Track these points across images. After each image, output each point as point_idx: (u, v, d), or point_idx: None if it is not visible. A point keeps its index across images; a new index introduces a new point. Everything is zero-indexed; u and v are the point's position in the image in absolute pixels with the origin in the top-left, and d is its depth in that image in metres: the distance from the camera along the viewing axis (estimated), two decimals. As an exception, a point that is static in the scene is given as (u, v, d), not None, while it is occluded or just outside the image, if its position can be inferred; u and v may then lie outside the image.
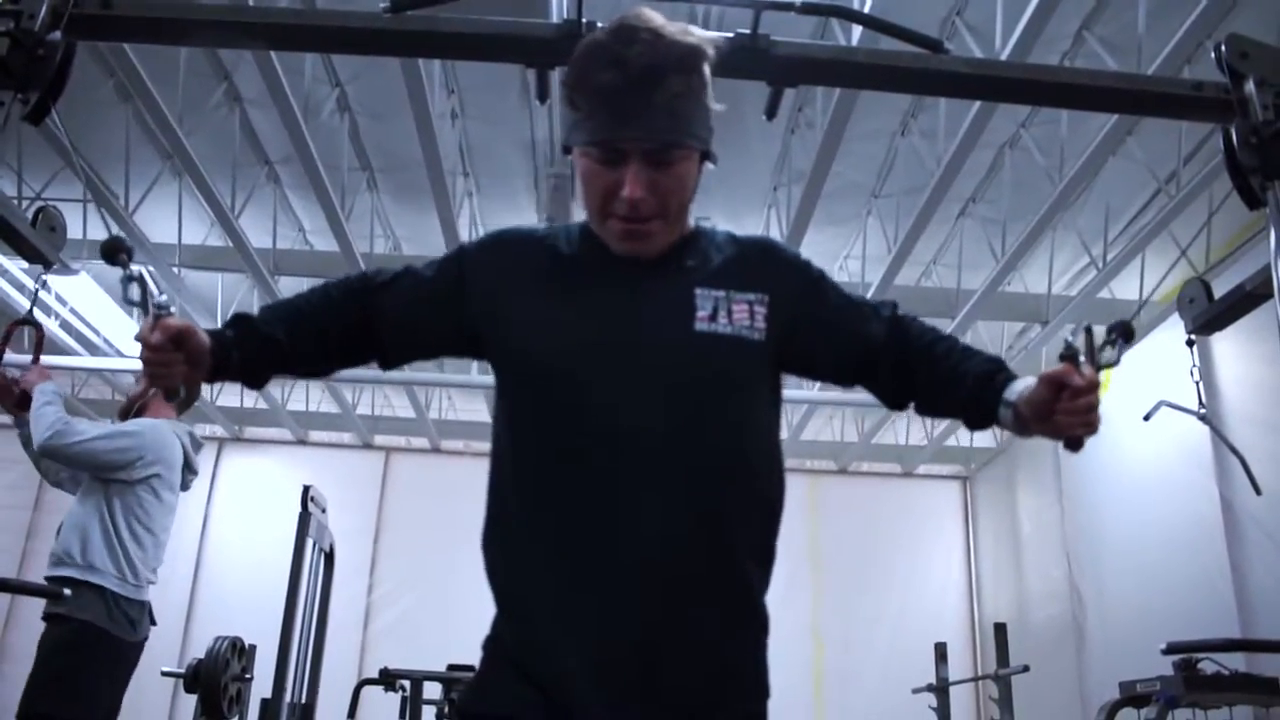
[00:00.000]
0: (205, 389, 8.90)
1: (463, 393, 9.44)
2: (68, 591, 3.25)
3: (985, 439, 9.86)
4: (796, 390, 7.84)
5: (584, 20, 2.06)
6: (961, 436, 9.82)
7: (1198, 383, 3.07)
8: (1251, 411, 5.65)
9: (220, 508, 10.05)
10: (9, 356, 3.08)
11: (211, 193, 5.77)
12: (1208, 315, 2.88)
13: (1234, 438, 3.96)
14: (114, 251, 1.37)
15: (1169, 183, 5.44)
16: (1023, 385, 1.31)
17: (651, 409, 1.28)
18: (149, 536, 3.57)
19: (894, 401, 1.48)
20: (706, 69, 1.30)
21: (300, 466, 9.55)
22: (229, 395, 9.77)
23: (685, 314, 1.34)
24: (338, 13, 2.24)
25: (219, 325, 1.41)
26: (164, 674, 4.62)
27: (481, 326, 1.41)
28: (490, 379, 1.46)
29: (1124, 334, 1.29)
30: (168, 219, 6.45)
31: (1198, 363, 3.07)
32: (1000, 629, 6.10)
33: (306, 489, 4.32)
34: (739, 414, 1.34)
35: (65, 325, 7.95)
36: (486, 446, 1.43)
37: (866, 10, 4.06)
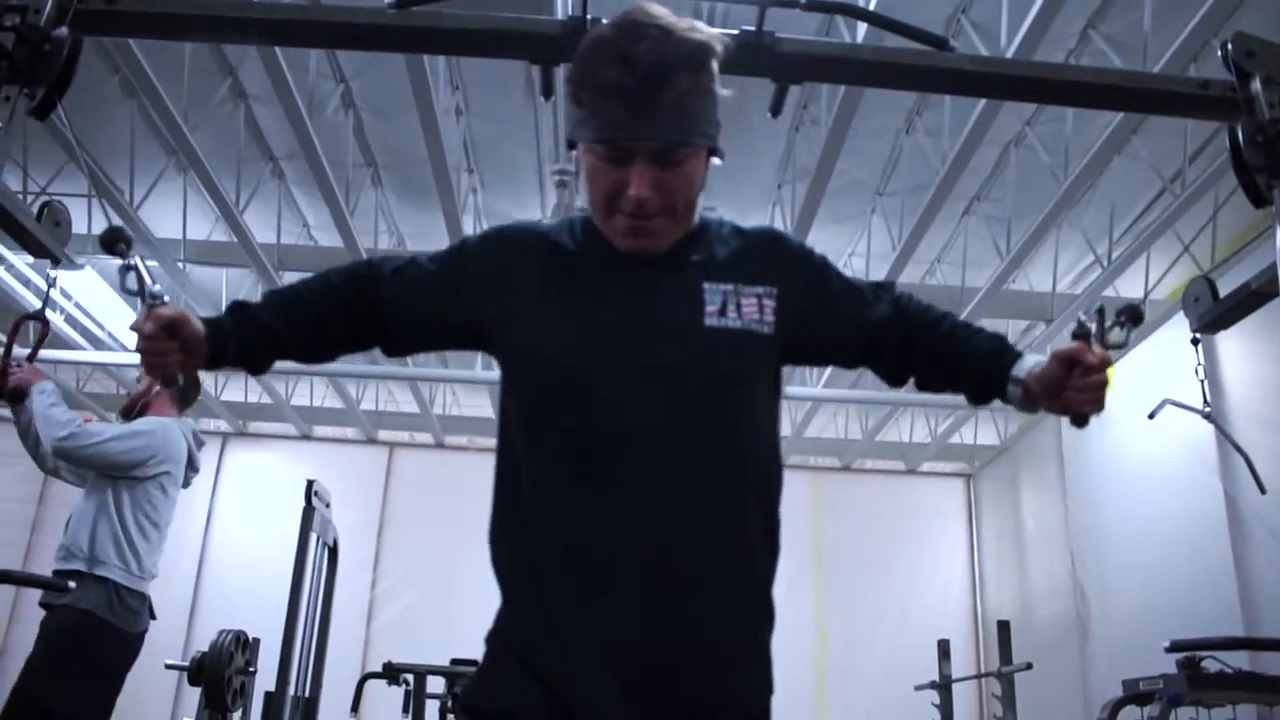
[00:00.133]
0: (209, 385, 8.93)
1: (467, 388, 9.45)
2: (72, 584, 3.29)
3: (989, 436, 9.85)
4: (800, 387, 7.84)
5: (589, 16, 2.05)
6: (965, 434, 9.81)
7: (1202, 381, 3.07)
8: (1256, 410, 5.65)
9: (224, 502, 10.09)
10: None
11: (216, 188, 5.78)
12: (1213, 314, 2.87)
13: (1238, 436, 3.96)
14: (113, 241, 1.37)
15: (1174, 181, 5.44)
16: (1032, 362, 1.35)
17: (660, 405, 1.27)
18: (154, 531, 3.64)
19: (896, 378, 1.50)
20: (715, 65, 1.28)
21: (304, 461, 9.58)
22: (233, 390, 9.79)
23: (694, 309, 1.33)
24: (342, 8, 2.23)
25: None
26: (168, 667, 4.64)
27: (485, 321, 1.39)
28: (494, 374, 1.46)
29: (1132, 317, 1.34)
30: (172, 214, 6.45)
31: (1202, 361, 3.06)
32: (1003, 626, 6.10)
33: (310, 484, 4.33)
34: (746, 410, 1.34)
35: (70, 320, 7.98)
36: (490, 442, 1.43)
37: (872, 7, 4.05)
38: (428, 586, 9.49)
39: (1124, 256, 6.05)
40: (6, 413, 5.60)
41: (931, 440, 9.81)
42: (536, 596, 1.29)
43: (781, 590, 1.37)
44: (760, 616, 1.35)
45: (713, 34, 1.29)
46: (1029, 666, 5.59)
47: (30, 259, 6.83)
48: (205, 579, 9.75)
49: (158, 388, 3.73)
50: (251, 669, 4.36)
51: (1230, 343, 5.77)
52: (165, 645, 7.01)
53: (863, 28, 4.14)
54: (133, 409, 3.81)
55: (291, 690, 4.12)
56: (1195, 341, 3.06)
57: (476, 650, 1.37)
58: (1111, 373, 1.30)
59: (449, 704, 5.14)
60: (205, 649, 4.18)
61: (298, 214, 6.92)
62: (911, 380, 1.50)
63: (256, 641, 4.45)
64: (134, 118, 5.61)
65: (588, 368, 1.30)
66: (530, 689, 1.25)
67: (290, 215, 6.81)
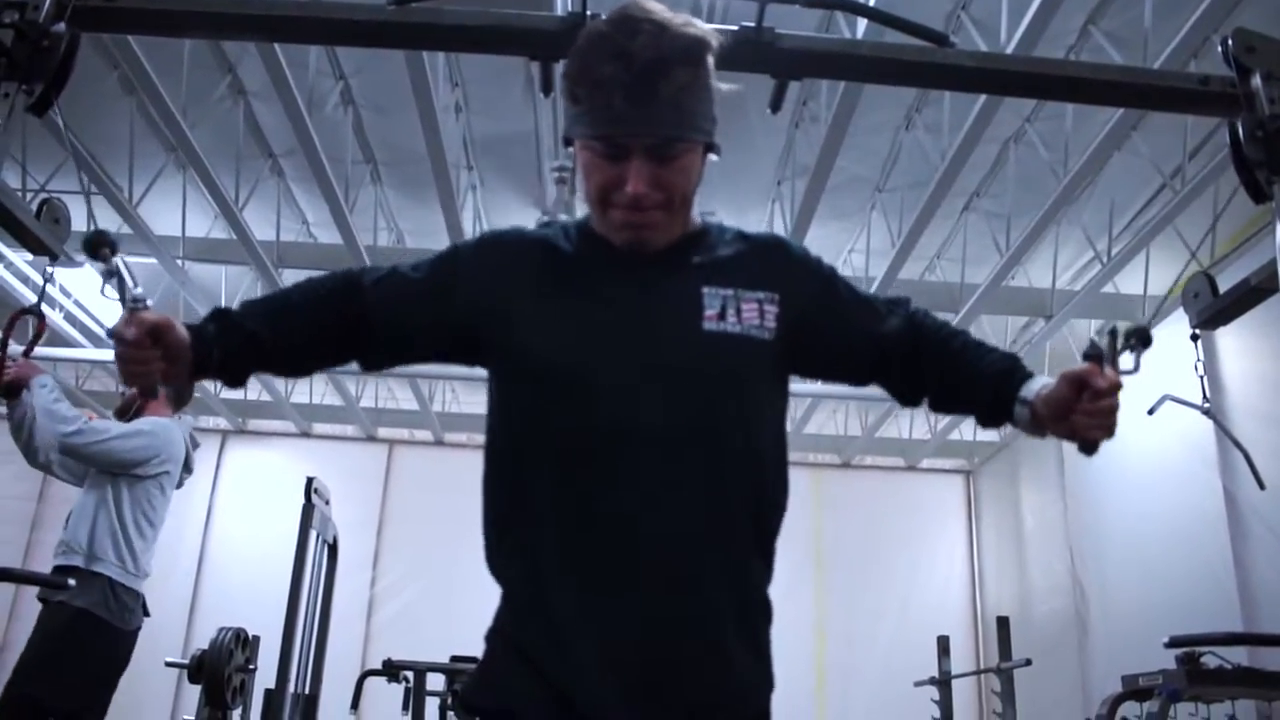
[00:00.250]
0: (209, 382, 8.92)
1: (466, 385, 9.45)
2: (72, 582, 3.30)
3: (989, 433, 9.86)
4: (800, 384, 7.75)
5: (588, 12, 2.05)
6: (965, 431, 9.81)
7: (1202, 377, 3.07)
8: (1255, 406, 5.65)
9: (224, 500, 10.09)
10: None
11: (215, 185, 5.78)
12: (1212, 310, 2.86)
13: (1238, 432, 3.96)
14: (97, 245, 1.29)
15: (1174, 177, 5.43)
16: (1040, 383, 1.30)
17: (659, 407, 1.27)
18: (150, 530, 3.68)
19: (908, 399, 1.48)
20: (711, 61, 1.28)
21: (304, 459, 9.57)
22: (232, 387, 9.78)
23: (693, 312, 1.32)
24: (342, 5, 2.23)
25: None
26: (168, 664, 4.65)
27: (480, 323, 1.38)
28: (493, 373, 1.44)
29: (1142, 340, 1.26)
30: (172, 211, 6.45)
31: (1202, 357, 3.06)
32: (1003, 623, 6.11)
33: (310, 481, 4.33)
34: (746, 413, 1.33)
35: (69, 317, 7.98)
36: (489, 440, 1.42)
37: (871, 3, 4.05)
38: (427, 584, 9.50)
39: (1124, 253, 6.04)
40: (3, 410, 5.59)
41: (931, 437, 9.81)
42: (536, 596, 1.29)
43: (781, 587, 1.37)
44: (759, 616, 1.35)
45: (708, 29, 1.29)
46: (1028, 663, 5.60)
47: (29, 256, 6.83)
48: (205, 577, 9.75)
49: None
50: (251, 666, 4.37)
51: (1230, 339, 5.77)
52: (165, 643, 7.03)
53: (862, 24, 4.13)
54: (128, 409, 3.82)
55: (291, 687, 4.12)
56: (1195, 337, 3.06)
57: (476, 647, 1.37)
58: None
59: (449, 701, 5.14)
60: (205, 646, 4.19)
61: (297, 211, 6.92)
62: (926, 402, 1.46)
63: (256, 639, 4.45)
64: (133, 114, 5.61)
65: (587, 367, 1.29)
66: (533, 686, 1.25)
67: (289, 212, 6.80)
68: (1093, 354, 1.23)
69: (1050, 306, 6.93)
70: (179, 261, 6.76)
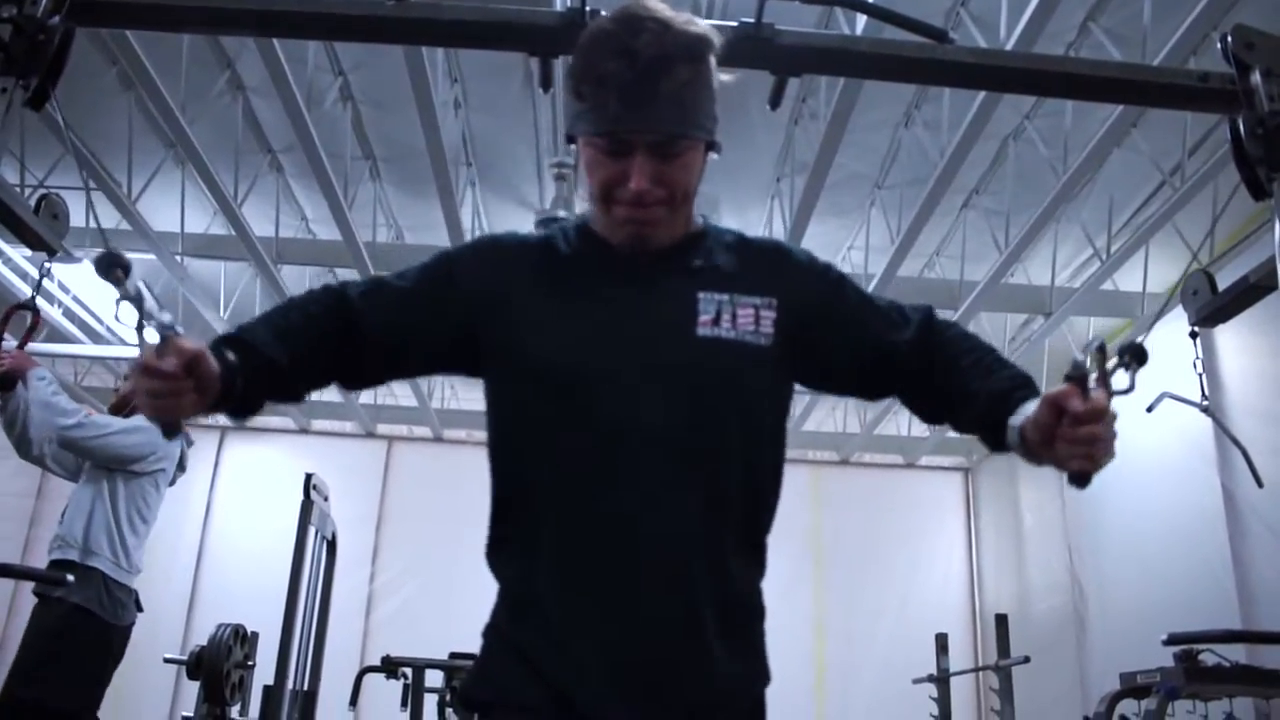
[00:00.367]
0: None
1: (465, 382, 9.39)
2: (70, 578, 3.30)
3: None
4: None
5: (588, 9, 2.05)
6: (964, 428, 9.80)
7: (1200, 375, 3.07)
8: (1254, 403, 5.65)
9: (223, 496, 10.08)
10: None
11: (214, 181, 5.77)
12: (1211, 307, 2.87)
13: (1236, 430, 3.96)
14: (110, 266, 1.11)
15: (1173, 175, 5.43)
16: (1033, 407, 1.18)
17: (658, 406, 1.27)
18: (143, 526, 3.71)
19: (928, 417, 1.43)
20: (713, 58, 1.29)
21: (303, 455, 9.56)
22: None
23: (687, 317, 1.32)
24: (341, 0, 2.23)
25: (221, 323, 1.31)
26: (166, 661, 4.65)
27: (479, 324, 1.37)
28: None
29: (1136, 356, 1.13)
30: (170, 207, 6.44)
31: (1200, 354, 3.06)
32: (1001, 620, 6.11)
33: (309, 477, 4.33)
34: (742, 416, 1.32)
35: (68, 313, 7.97)
36: (488, 437, 1.42)
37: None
38: (426, 580, 9.49)
39: (1123, 250, 6.04)
40: None
41: (930, 434, 9.81)
42: (534, 595, 1.29)
43: (779, 585, 1.37)
44: (754, 614, 1.35)
45: (710, 27, 1.30)
46: (1027, 660, 5.61)
47: (28, 252, 6.82)
48: (204, 573, 9.74)
49: None
50: (250, 663, 4.37)
51: (1228, 336, 5.77)
52: (164, 639, 7.02)
53: (862, 20, 4.13)
54: (123, 407, 3.82)
55: (290, 684, 4.13)
56: (1194, 335, 3.06)
57: (475, 644, 1.37)
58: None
59: (447, 697, 5.15)
60: (204, 643, 4.19)
61: (296, 207, 6.91)
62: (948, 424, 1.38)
63: (255, 635, 4.45)
64: (131, 110, 5.60)
65: (587, 367, 1.29)
66: (532, 681, 1.25)
67: (288, 208, 6.79)
68: (1074, 375, 1.10)
69: (1049, 304, 6.93)
70: (178, 258, 6.75)
